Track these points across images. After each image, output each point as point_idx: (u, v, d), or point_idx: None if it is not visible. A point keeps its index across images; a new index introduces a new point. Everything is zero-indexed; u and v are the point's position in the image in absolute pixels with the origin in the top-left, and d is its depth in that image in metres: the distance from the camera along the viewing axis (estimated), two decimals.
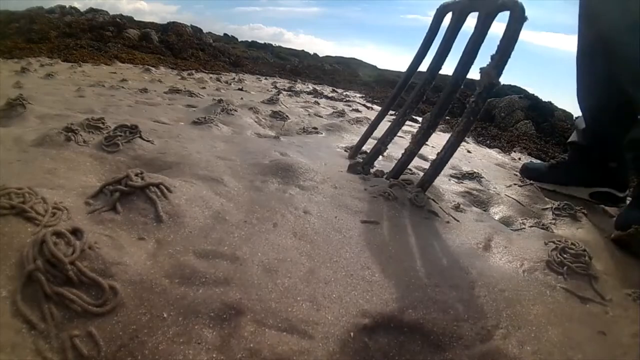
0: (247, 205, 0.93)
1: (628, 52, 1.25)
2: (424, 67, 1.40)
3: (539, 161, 2.72)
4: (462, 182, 1.48)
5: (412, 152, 1.25)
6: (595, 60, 1.41)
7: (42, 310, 0.52)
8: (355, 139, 1.98)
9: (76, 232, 0.61)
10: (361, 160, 1.43)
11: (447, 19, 1.37)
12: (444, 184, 1.44)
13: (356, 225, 0.91)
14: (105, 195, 0.80)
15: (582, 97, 1.51)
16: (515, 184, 1.56)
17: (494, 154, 2.78)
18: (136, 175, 0.83)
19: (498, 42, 1.07)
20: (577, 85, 1.51)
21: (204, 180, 1.02)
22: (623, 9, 1.25)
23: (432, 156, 1.89)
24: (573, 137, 1.63)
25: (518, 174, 1.84)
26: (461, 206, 1.18)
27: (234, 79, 6.08)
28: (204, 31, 11.79)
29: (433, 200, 1.11)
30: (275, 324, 0.58)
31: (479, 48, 1.20)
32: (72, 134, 1.16)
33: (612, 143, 1.44)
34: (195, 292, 0.60)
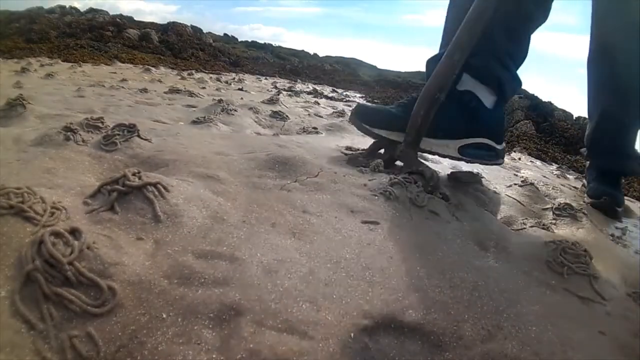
0: (245, 204, 0.92)
1: (629, 57, 1.27)
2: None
3: (541, 162, 2.72)
4: (462, 182, 1.48)
5: None
6: (600, 62, 1.41)
7: (41, 310, 0.51)
8: (355, 139, 1.98)
9: (74, 232, 0.61)
10: (359, 153, 1.44)
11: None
12: (445, 183, 1.44)
13: (356, 225, 0.91)
14: (103, 195, 0.79)
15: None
16: (515, 184, 1.56)
17: None
18: (133, 174, 0.82)
19: None
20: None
21: (201, 177, 1.02)
22: (626, 13, 1.25)
23: (432, 156, 1.89)
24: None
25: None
26: (462, 206, 1.17)
27: (234, 79, 6.08)
28: (204, 31, 11.80)
29: (440, 196, 1.10)
30: (275, 324, 0.58)
31: None
32: (72, 134, 1.16)
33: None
34: (195, 292, 0.60)
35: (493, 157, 1.28)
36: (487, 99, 1.24)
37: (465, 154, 1.24)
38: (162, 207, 0.78)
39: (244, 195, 0.98)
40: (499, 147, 1.27)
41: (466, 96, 1.23)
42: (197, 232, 0.76)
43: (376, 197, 1.04)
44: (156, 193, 0.80)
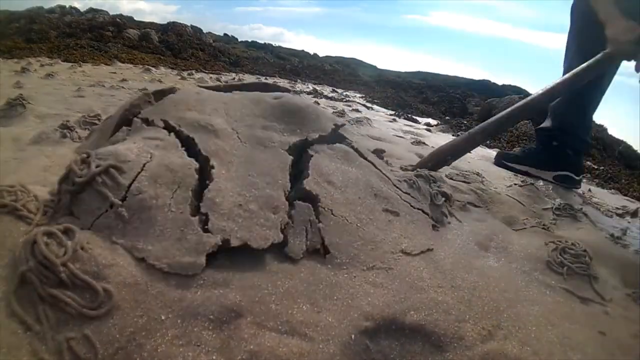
0: (243, 172, 0.77)
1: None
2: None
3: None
4: (463, 182, 1.48)
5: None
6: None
7: (37, 311, 0.51)
8: (355, 140, 1.97)
9: (68, 231, 0.59)
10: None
11: None
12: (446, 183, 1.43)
13: (377, 212, 0.85)
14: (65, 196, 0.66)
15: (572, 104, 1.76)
16: (515, 184, 1.56)
17: (494, 154, 2.77)
18: (82, 162, 0.66)
19: None
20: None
21: (190, 127, 0.83)
22: None
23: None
24: (545, 124, 1.86)
25: (496, 159, 2.04)
26: (464, 206, 1.17)
27: (233, 79, 6.08)
28: (204, 31, 11.78)
29: (443, 197, 1.09)
30: (275, 326, 0.58)
31: None
32: (68, 131, 1.16)
33: (574, 138, 1.76)
34: (194, 294, 0.59)
35: (572, 183, 1.78)
36: None
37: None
38: (123, 198, 0.64)
39: (244, 155, 0.82)
40: (577, 178, 1.79)
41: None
42: (171, 231, 0.63)
43: (400, 182, 0.98)
44: (109, 183, 0.64)
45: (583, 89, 1.61)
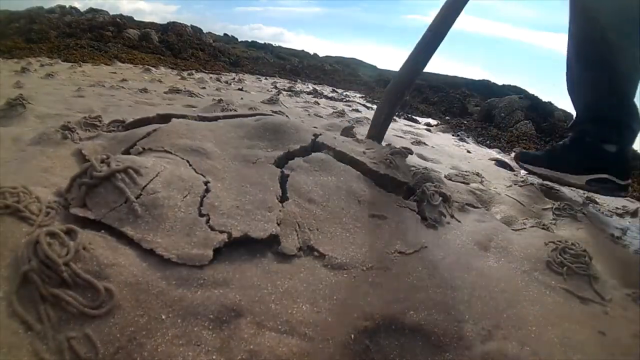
0: (237, 184, 0.84)
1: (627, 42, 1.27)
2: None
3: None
4: (463, 182, 1.48)
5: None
6: (594, 51, 1.35)
7: (39, 311, 0.51)
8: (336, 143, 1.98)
9: (70, 232, 0.60)
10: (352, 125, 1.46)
11: None
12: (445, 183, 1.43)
13: (364, 219, 0.87)
14: (78, 188, 0.72)
15: (579, 89, 1.46)
16: (515, 184, 1.56)
17: (494, 154, 2.77)
18: (102, 162, 0.73)
19: None
20: (573, 78, 1.45)
21: (184, 151, 0.92)
22: (620, 4, 1.25)
23: (432, 156, 1.88)
24: (574, 120, 1.57)
25: (514, 161, 1.83)
26: (464, 206, 1.17)
27: (234, 79, 6.07)
28: (204, 31, 11.78)
29: (440, 197, 1.10)
30: (275, 326, 0.58)
31: None
32: (69, 132, 1.16)
33: (612, 126, 1.33)
34: (194, 293, 0.60)
35: (615, 190, 1.43)
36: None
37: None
38: (137, 195, 0.69)
39: (234, 171, 0.89)
40: (621, 182, 1.41)
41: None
42: (181, 227, 0.68)
43: (377, 165, 1.02)
44: (127, 181, 0.70)
45: (617, 71, 1.29)
